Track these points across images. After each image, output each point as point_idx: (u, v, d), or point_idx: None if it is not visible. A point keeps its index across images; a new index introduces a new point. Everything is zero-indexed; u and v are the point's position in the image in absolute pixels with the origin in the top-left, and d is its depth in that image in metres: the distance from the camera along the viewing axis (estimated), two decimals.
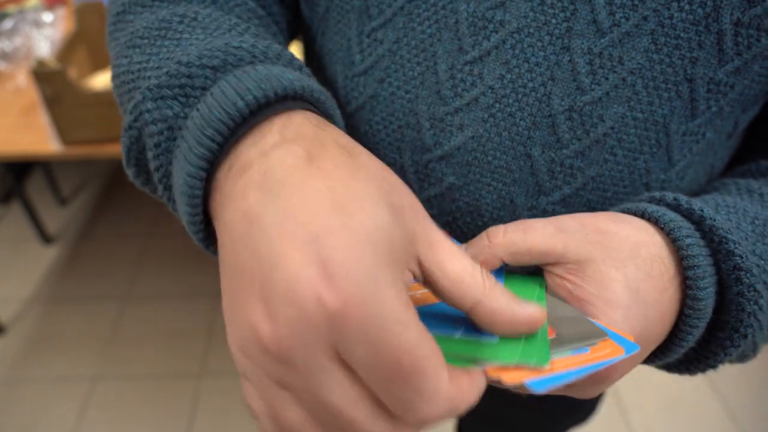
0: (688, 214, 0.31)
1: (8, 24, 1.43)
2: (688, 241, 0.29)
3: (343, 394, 0.21)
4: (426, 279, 0.24)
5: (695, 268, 0.29)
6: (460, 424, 0.84)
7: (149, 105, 0.27)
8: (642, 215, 0.31)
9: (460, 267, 0.24)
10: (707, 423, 1.45)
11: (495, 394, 0.61)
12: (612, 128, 0.34)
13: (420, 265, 0.24)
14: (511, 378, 0.24)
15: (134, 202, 2.14)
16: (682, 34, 0.31)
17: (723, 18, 0.31)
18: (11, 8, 1.49)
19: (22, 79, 1.37)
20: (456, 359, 0.24)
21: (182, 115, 0.27)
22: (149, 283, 1.80)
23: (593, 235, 0.29)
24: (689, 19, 0.31)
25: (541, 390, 0.24)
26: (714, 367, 0.34)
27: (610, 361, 0.25)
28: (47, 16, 1.49)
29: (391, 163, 0.39)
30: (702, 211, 0.30)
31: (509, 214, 0.37)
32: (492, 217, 0.38)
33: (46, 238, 1.92)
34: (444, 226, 0.39)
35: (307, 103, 0.28)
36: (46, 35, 1.45)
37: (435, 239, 0.24)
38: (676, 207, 0.32)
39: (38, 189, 2.11)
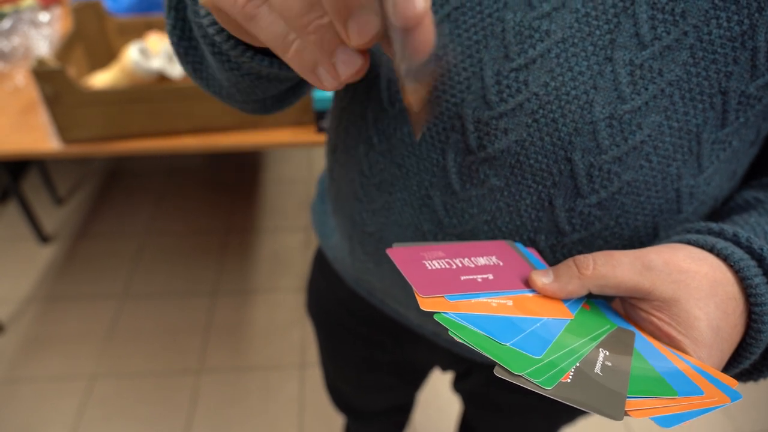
0: (748, 251, 0.33)
1: (6, 24, 1.44)
2: (757, 280, 0.32)
3: None
4: None
5: (762, 305, 0.31)
6: (464, 411, 0.85)
7: None
8: (711, 250, 0.33)
9: None
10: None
11: (498, 382, 0.62)
12: (649, 136, 0.35)
13: None
14: (638, 414, 0.25)
15: (130, 201, 2.15)
16: (719, 50, 0.33)
17: (758, 36, 0.32)
18: (7, 8, 1.49)
19: (21, 78, 1.37)
20: (509, 361, 0.26)
21: None
22: (146, 281, 1.81)
23: (676, 275, 0.31)
24: (726, 36, 0.32)
25: (666, 427, 0.25)
26: (756, 380, 0.36)
27: (719, 406, 0.27)
28: (44, 16, 1.49)
29: (433, 164, 0.40)
30: (762, 250, 0.32)
31: (547, 215, 0.39)
32: (530, 217, 0.39)
33: (43, 238, 1.91)
34: (482, 225, 0.41)
35: None
36: (43, 35, 1.45)
37: None
38: (736, 242, 0.34)
39: (34, 189, 2.11)
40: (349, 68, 0.24)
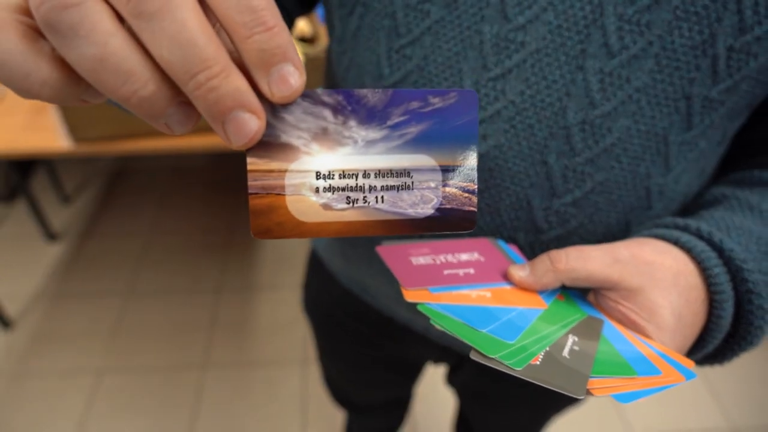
0: (710, 243, 0.35)
1: None
2: (716, 270, 0.34)
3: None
4: None
5: (721, 293, 0.34)
6: (459, 404, 0.87)
7: None
8: (675, 243, 0.36)
9: None
10: (695, 407, 1.51)
11: (487, 373, 0.65)
12: (619, 139, 0.38)
13: None
14: (599, 391, 0.27)
15: (136, 200, 2.18)
16: (682, 58, 0.35)
17: (718, 44, 0.34)
18: None
19: None
20: (484, 345, 0.28)
21: None
22: (152, 278, 1.83)
23: (642, 266, 0.33)
24: (689, 45, 0.35)
25: (624, 402, 0.27)
26: (721, 363, 0.39)
27: (674, 384, 0.29)
28: None
29: None
30: (721, 242, 0.35)
31: (525, 214, 0.41)
32: (510, 216, 0.42)
33: (51, 236, 1.94)
34: None
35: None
36: None
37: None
38: (699, 236, 0.36)
39: (42, 187, 2.14)
40: (246, 129, 0.20)
